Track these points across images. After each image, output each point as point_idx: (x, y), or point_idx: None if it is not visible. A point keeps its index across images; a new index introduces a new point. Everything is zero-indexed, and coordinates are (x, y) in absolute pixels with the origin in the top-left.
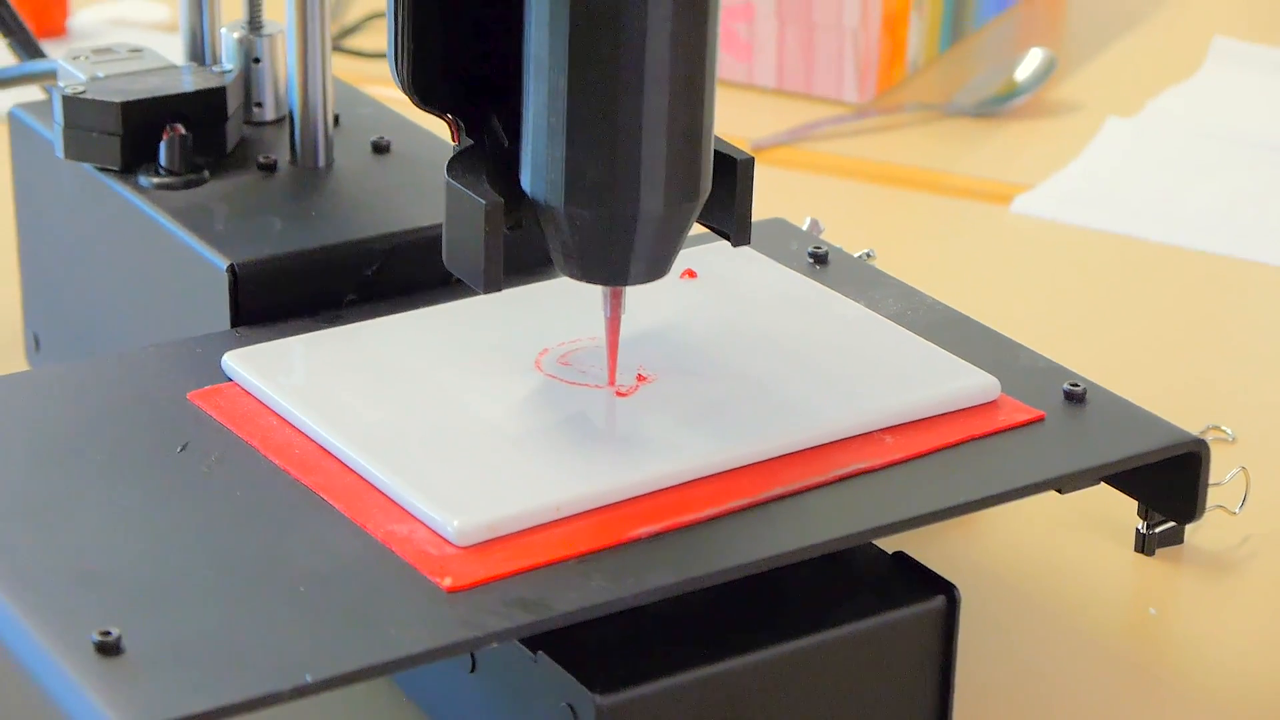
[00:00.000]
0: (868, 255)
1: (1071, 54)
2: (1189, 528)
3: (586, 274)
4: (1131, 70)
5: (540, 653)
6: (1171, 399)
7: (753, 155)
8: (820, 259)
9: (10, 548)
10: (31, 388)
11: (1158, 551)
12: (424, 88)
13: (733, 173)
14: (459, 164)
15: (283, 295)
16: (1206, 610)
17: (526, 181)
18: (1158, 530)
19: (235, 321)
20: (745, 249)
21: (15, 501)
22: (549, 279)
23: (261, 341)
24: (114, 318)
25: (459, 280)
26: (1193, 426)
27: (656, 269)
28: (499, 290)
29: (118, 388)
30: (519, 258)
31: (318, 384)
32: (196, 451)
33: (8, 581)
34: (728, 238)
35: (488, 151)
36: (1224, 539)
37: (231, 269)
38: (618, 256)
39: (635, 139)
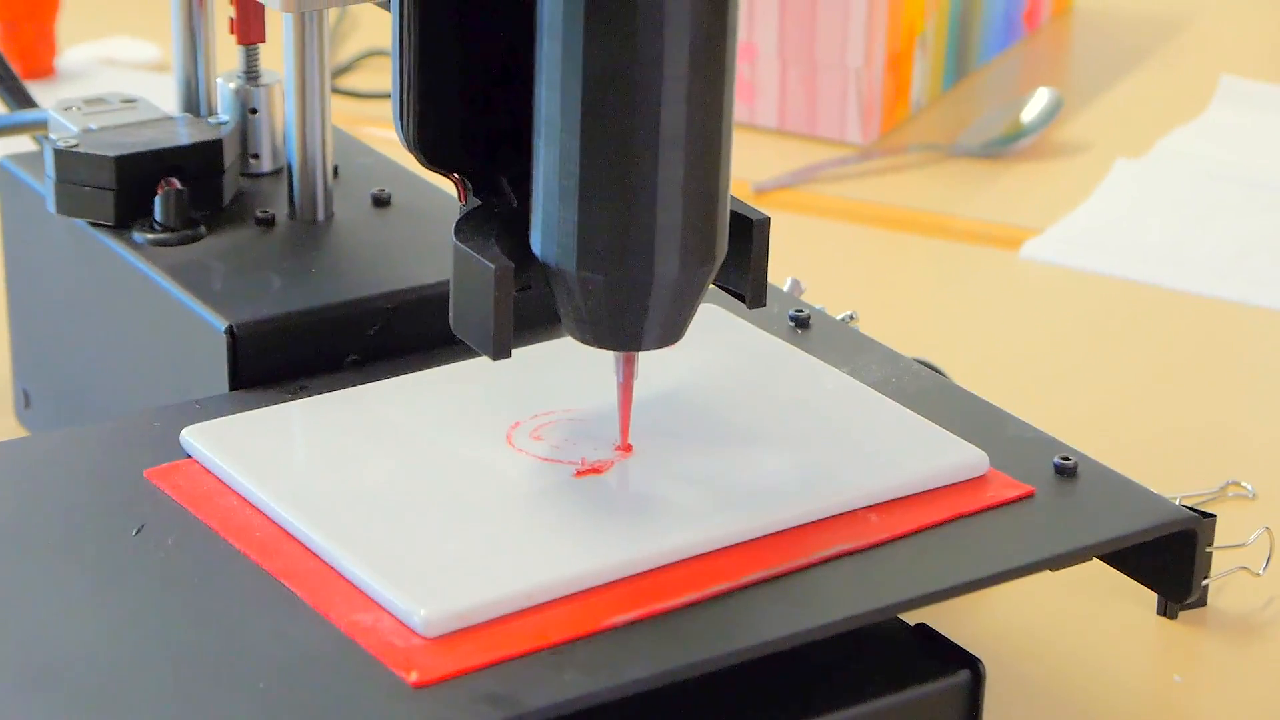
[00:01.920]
0: (850, 317)
1: (1076, 92)
2: (1213, 589)
3: (598, 339)
4: (1138, 109)
5: None
6: (1187, 453)
7: (768, 216)
8: (802, 323)
9: None
10: None
11: (1180, 615)
12: (430, 147)
13: (748, 233)
14: (467, 225)
15: (283, 356)
16: (1232, 676)
17: (537, 244)
18: None
19: (234, 384)
20: (724, 313)
21: None
22: (532, 343)
23: (228, 412)
24: (107, 376)
25: (462, 341)
26: (1210, 482)
27: (671, 334)
28: (509, 356)
29: (71, 464)
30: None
31: (280, 461)
32: (153, 534)
33: None
34: (743, 299)
35: (496, 211)
36: (1248, 600)
37: (230, 330)
38: (631, 322)
39: (650, 202)
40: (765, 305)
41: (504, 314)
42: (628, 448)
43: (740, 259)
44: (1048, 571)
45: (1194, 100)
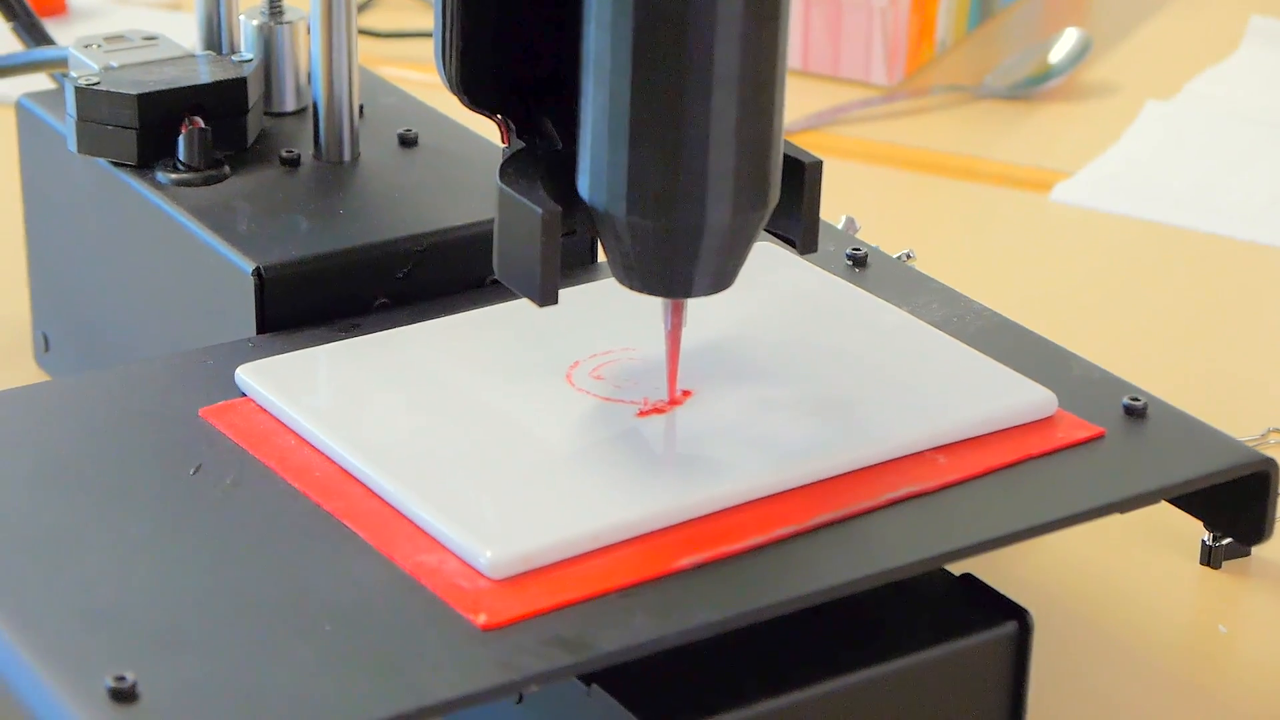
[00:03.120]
0: (907, 256)
1: (1103, 33)
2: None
3: (647, 285)
4: (1166, 50)
5: (594, 685)
6: (1224, 399)
7: (820, 159)
8: (859, 261)
9: (14, 582)
10: (33, 404)
11: (1224, 565)
12: (472, 87)
13: (800, 176)
14: (511, 168)
15: (310, 299)
16: (1276, 626)
17: (584, 188)
18: (1224, 543)
19: (261, 327)
20: (781, 251)
21: (17, 530)
22: (582, 283)
23: (279, 351)
24: (128, 319)
25: (494, 281)
26: (1250, 429)
27: (721, 281)
28: (555, 303)
29: (124, 403)
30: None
31: (338, 400)
32: (210, 474)
33: (13, 621)
34: (793, 244)
35: (540, 154)
36: None
37: (258, 272)
38: (681, 268)
39: (702, 146)
40: (817, 250)
41: (551, 260)
42: (674, 399)
43: (791, 203)
44: (1091, 522)
45: (1223, 41)
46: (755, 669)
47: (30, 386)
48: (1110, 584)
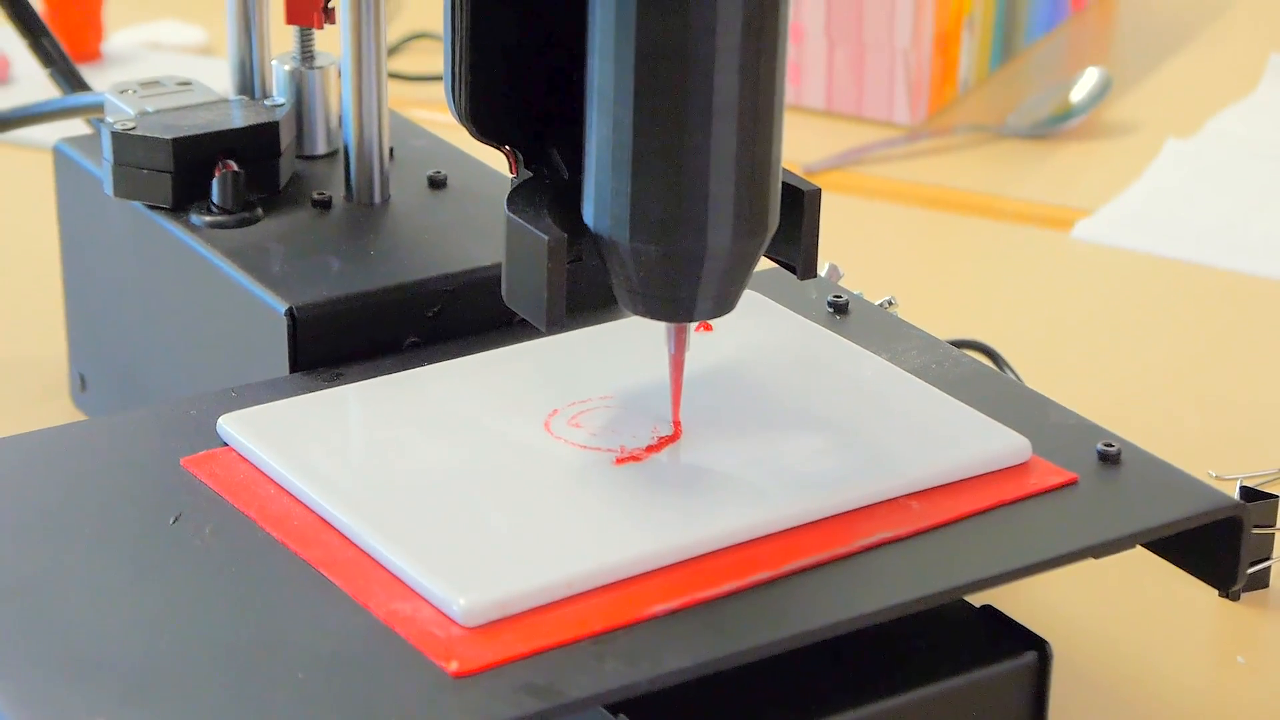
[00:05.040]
0: (889, 303)
1: (1124, 71)
2: (1275, 571)
3: (650, 310)
4: (1187, 89)
5: (621, 715)
6: (1245, 434)
7: (818, 187)
8: (840, 309)
9: None
10: (18, 453)
11: (1243, 597)
12: (481, 119)
13: (799, 204)
14: (519, 197)
15: (343, 338)
16: None
17: (589, 215)
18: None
19: (294, 366)
20: (762, 299)
21: (0, 576)
22: (559, 333)
23: (261, 401)
24: (163, 358)
25: (522, 321)
26: (1270, 463)
27: (723, 305)
28: (561, 328)
29: (107, 453)
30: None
31: (317, 449)
32: (190, 522)
33: None
34: (793, 270)
35: (547, 183)
36: None
37: (290, 312)
38: (683, 292)
39: (703, 173)
40: (815, 276)
41: (557, 284)
42: (677, 423)
43: (791, 230)
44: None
45: (1243, 79)
46: (781, 698)
47: (16, 436)
48: (1129, 615)
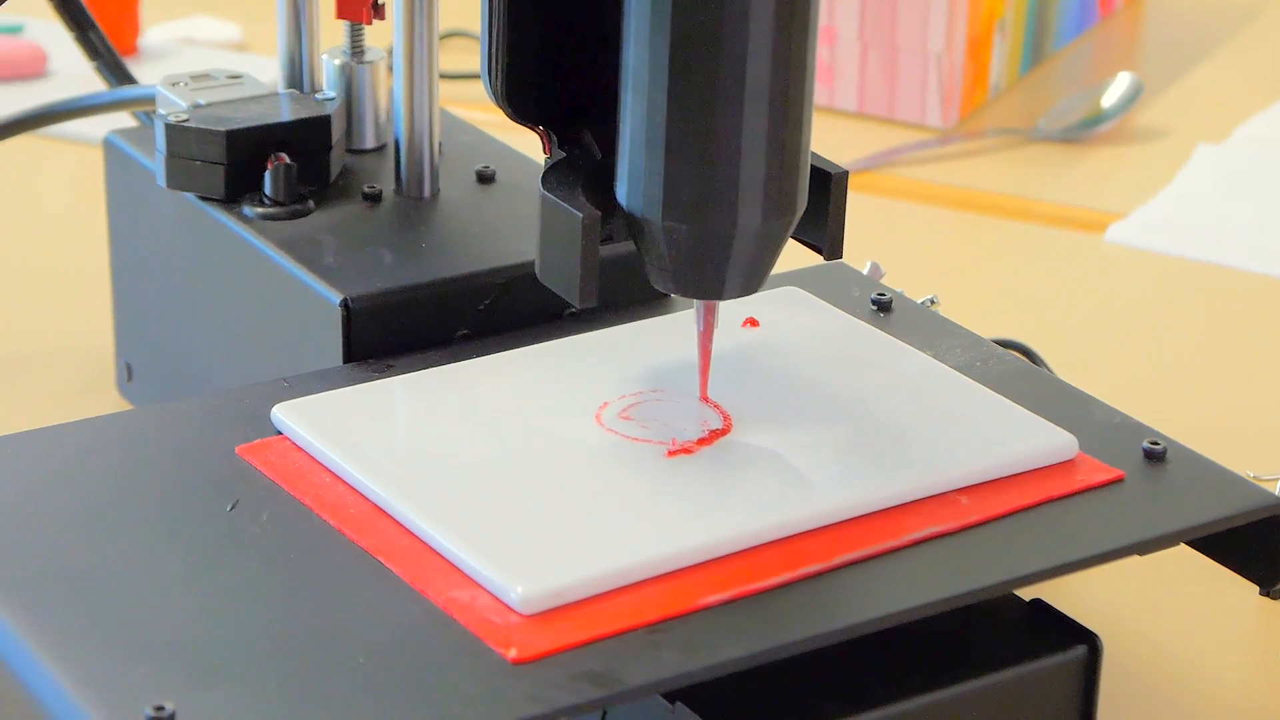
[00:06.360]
0: (931, 301)
1: (1154, 77)
2: None
3: (680, 287)
4: (1217, 94)
5: (679, 703)
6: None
7: (845, 169)
8: (884, 306)
9: (56, 613)
10: (74, 440)
11: None
12: (517, 100)
13: (827, 186)
14: (553, 176)
15: (395, 330)
16: None
17: (622, 194)
18: None
19: (347, 356)
20: (807, 296)
21: (60, 563)
22: (609, 326)
23: (314, 391)
24: (212, 349)
25: (573, 313)
26: None
27: (751, 284)
28: (594, 304)
29: (163, 441)
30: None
31: (372, 438)
32: (247, 510)
33: (55, 651)
34: (820, 251)
35: (580, 163)
36: None
37: (345, 304)
38: (713, 271)
39: (734, 154)
40: (841, 257)
41: (591, 262)
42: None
43: (818, 212)
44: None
45: (1273, 85)
46: (834, 688)
47: (71, 423)
48: (1171, 611)
